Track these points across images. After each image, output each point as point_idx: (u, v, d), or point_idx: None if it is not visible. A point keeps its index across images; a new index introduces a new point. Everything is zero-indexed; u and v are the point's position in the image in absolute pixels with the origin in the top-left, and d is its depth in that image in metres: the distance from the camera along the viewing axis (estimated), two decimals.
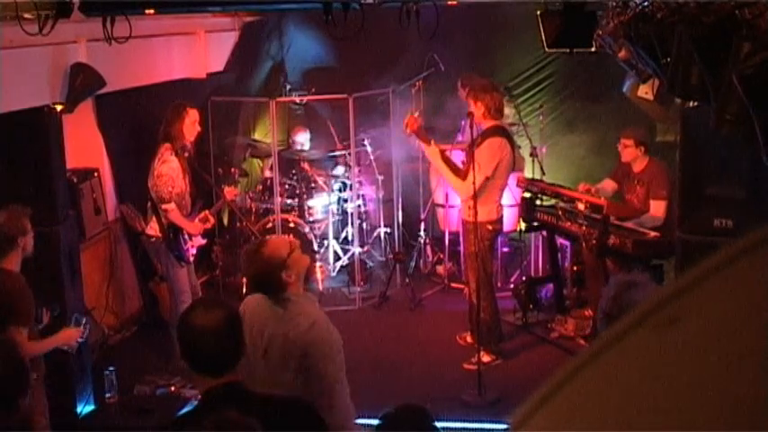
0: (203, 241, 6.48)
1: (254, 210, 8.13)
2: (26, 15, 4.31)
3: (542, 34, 5.17)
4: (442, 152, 6.54)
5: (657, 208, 6.51)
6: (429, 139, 6.49)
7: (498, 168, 6.18)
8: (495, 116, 6.26)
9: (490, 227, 6.25)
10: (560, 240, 7.21)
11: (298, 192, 8.23)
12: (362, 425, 4.09)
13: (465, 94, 7.60)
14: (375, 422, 3.06)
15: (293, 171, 8.29)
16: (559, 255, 7.25)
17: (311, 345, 3.42)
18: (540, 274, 7.76)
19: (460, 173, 6.35)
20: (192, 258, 6.28)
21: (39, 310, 4.68)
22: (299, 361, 3.43)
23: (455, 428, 5.53)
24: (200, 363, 2.72)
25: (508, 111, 8.31)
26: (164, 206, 5.96)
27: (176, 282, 6.19)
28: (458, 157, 7.30)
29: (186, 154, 6.20)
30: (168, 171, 5.91)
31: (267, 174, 8.55)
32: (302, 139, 8.51)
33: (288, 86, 8.86)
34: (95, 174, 6.87)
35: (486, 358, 6.26)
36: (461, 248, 7.11)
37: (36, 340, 4.51)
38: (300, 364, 3.43)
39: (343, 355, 3.50)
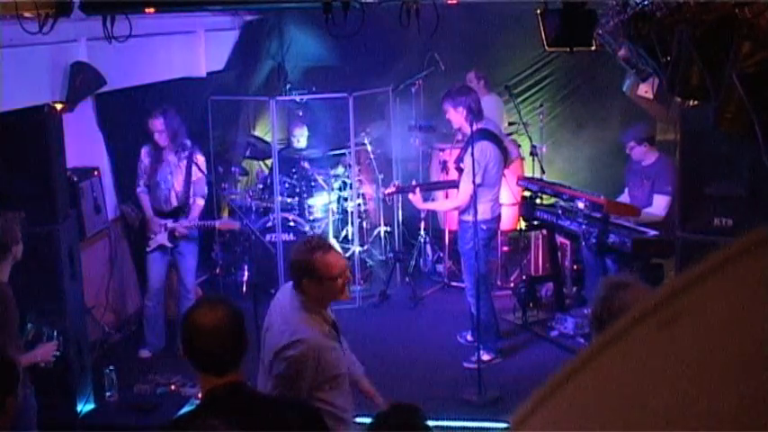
0: (162, 241, 6.69)
1: (254, 208, 8.13)
2: (26, 14, 4.31)
3: (542, 33, 5.16)
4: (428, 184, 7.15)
5: (659, 203, 6.50)
6: (411, 188, 6.80)
7: (486, 173, 6.16)
8: (478, 117, 6.21)
9: (484, 226, 6.21)
10: (560, 239, 7.21)
11: (298, 190, 8.23)
12: (361, 423, 4.09)
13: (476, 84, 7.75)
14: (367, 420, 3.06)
15: (293, 170, 8.29)
16: (559, 253, 7.25)
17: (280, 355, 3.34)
18: (540, 272, 7.76)
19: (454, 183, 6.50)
20: (150, 246, 6.71)
21: (27, 325, 4.63)
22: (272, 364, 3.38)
23: (455, 427, 5.53)
24: (203, 361, 2.72)
25: (505, 116, 8.33)
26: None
27: (146, 268, 6.82)
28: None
29: (175, 152, 6.65)
30: (140, 164, 6.79)
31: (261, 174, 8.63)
32: (299, 134, 8.53)
33: (288, 85, 8.85)
34: (95, 172, 6.87)
35: (485, 357, 6.26)
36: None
37: (18, 352, 4.43)
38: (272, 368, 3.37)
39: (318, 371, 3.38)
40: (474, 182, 5.93)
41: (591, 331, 3.03)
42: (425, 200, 6.97)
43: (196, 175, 6.72)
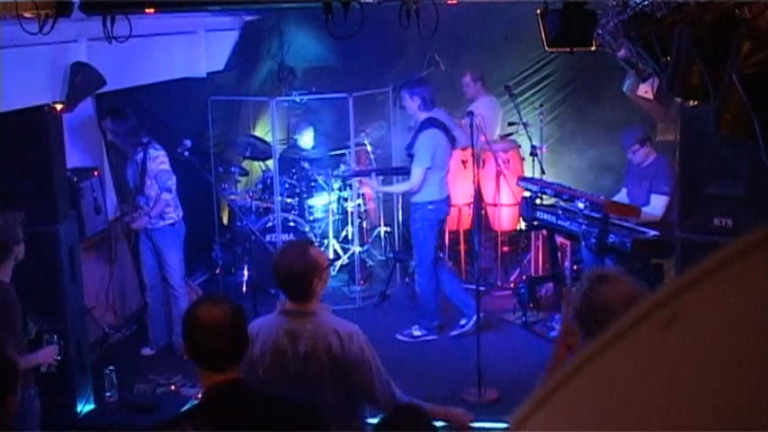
0: (135, 225, 6.80)
1: (253, 208, 8.13)
2: (26, 14, 4.31)
3: (542, 33, 5.16)
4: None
5: (657, 202, 6.49)
6: (367, 172, 7.46)
7: (435, 157, 6.63)
8: (429, 107, 6.72)
9: (432, 206, 6.72)
10: (560, 239, 7.21)
11: (298, 190, 8.23)
12: (369, 423, 4.10)
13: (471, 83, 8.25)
14: (374, 421, 3.06)
15: (293, 170, 8.29)
16: (559, 253, 7.25)
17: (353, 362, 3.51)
18: (540, 272, 7.76)
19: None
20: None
21: (29, 324, 4.63)
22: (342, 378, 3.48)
23: (455, 427, 5.51)
24: (204, 357, 2.74)
25: (501, 117, 8.32)
26: None
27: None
28: (456, 157, 7.32)
29: (134, 150, 6.66)
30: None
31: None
32: (305, 134, 8.54)
33: (289, 86, 8.85)
34: (95, 172, 6.87)
35: (417, 332, 6.86)
36: (446, 239, 7.79)
37: (21, 353, 4.42)
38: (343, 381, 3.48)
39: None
40: (417, 169, 6.61)
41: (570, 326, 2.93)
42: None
43: (158, 168, 6.62)
